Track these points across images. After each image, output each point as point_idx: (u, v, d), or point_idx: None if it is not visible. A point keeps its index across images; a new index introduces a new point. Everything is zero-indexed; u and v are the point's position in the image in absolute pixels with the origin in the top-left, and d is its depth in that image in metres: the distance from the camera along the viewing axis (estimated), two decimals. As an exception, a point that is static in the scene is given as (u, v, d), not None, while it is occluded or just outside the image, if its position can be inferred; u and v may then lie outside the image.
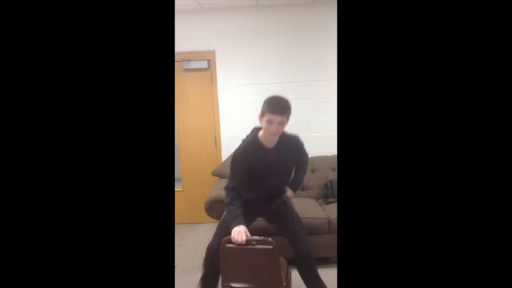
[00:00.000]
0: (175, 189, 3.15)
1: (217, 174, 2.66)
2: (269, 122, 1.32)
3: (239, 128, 2.98)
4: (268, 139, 1.42)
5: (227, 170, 2.59)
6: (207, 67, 2.95)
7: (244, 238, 1.24)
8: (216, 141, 3.04)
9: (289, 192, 1.58)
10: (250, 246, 1.25)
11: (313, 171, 2.70)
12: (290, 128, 2.92)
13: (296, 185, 1.65)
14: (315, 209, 2.20)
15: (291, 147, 1.49)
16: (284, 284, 1.27)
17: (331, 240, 2.01)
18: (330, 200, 2.39)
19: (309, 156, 2.77)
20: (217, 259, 1.29)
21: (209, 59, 2.94)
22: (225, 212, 1.43)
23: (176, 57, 2.89)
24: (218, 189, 2.24)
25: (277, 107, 1.33)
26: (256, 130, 1.50)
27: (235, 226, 1.28)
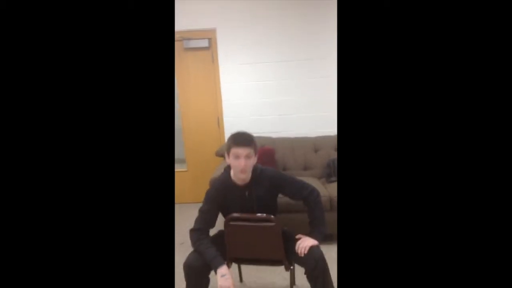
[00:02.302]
0: (180, 170, 3.20)
1: (220, 154, 2.67)
2: (236, 156, 1.25)
3: (241, 108, 2.97)
4: (239, 178, 1.32)
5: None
6: (208, 46, 2.89)
7: (230, 284, 1.20)
8: (219, 122, 3.04)
9: (306, 242, 1.27)
10: (253, 224, 1.28)
11: (316, 151, 2.71)
12: (293, 107, 2.92)
13: (318, 227, 1.33)
14: (317, 188, 2.22)
15: (266, 181, 1.34)
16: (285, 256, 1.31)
17: (333, 217, 2.04)
18: (333, 179, 2.41)
19: (312, 136, 2.83)
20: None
21: (210, 37, 2.88)
22: (192, 252, 1.32)
23: (177, 36, 2.83)
24: (222, 168, 2.26)
25: (241, 138, 1.26)
26: (228, 168, 1.39)
27: (216, 268, 1.23)
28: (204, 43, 2.88)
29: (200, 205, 1.38)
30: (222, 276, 1.22)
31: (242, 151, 1.24)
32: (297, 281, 1.71)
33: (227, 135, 3.00)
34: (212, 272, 1.31)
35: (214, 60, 2.93)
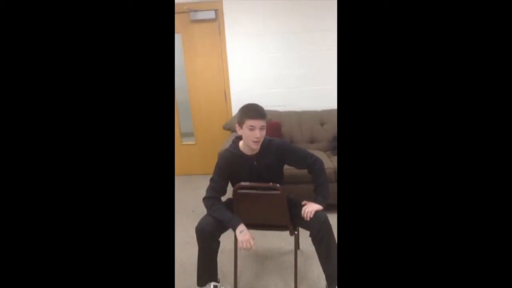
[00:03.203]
0: (188, 143, 3.28)
1: (228, 128, 2.73)
2: (251, 128, 1.31)
3: (248, 81, 2.97)
4: (249, 148, 1.39)
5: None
6: (215, 17, 2.85)
7: (252, 243, 1.32)
8: (226, 95, 3.06)
9: (311, 206, 1.36)
10: (260, 192, 1.35)
11: (322, 124, 2.74)
12: (300, 81, 2.91)
13: (322, 193, 1.42)
14: (323, 160, 2.28)
15: (273, 151, 1.42)
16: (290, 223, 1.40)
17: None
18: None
19: (319, 109, 2.83)
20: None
21: (217, 8, 2.83)
22: (205, 216, 1.40)
23: (183, 8, 2.79)
24: (230, 142, 2.32)
25: (257, 111, 1.32)
26: (237, 139, 1.47)
27: (235, 227, 1.33)
28: (211, 15, 2.84)
29: (209, 176, 1.45)
30: (241, 232, 1.33)
31: (257, 123, 1.30)
32: (301, 246, 1.82)
33: (234, 108, 3.03)
34: (223, 236, 1.41)
35: (220, 32, 2.90)
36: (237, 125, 1.38)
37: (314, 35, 2.83)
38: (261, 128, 1.32)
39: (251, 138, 1.33)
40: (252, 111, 1.33)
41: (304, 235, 1.42)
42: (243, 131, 1.35)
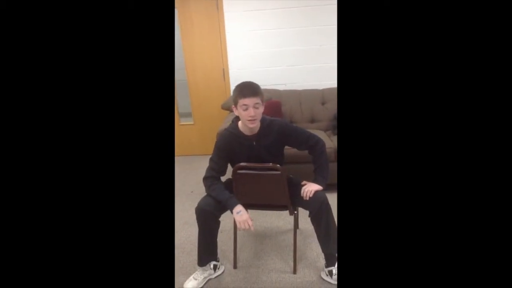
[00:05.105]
0: (187, 123, 3.24)
1: (226, 107, 2.67)
2: (244, 107, 1.27)
3: (247, 59, 2.89)
4: (248, 128, 1.35)
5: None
6: (212, -9, 2.73)
7: (250, 223, 1.31)
8: (224, 74, 2.99)
9: (310, 186, 1.35)
10: (260, 172, 1.33)
11: (323, 103, 2.69)
12: (301, 58, 2.83)
13: (322, 173, 1.40)
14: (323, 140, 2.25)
15: (274, 132, 1.38)
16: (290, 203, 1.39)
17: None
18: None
19: (319, 88, 2.77)
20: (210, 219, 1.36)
21: (214, -19, 2.70)
22: (205, 196, 1.39)
23: (178, -20, 2.66)
24: (229, 121, 2.28)
25: (248, 89, 1.27)
26: (236, 119, 1.43)
27: (232, 208, 1.32)
28: (208, -12, 2.71)
29: (208, 157, 1.43)
30: (238, 212, 1.32)
31: (250, 101, 1.26)
32: (300, 225, 1.83)
33: (232, 87, 2.96)
34: (223, 216, 1.41)
35: (218, 7, 2.78)
36: (233, 106, 1.34)
37: (316, 10, 2.72)
38: (254, 106, 1.27)
39: (245, 117, 1.29)
40: (244, 89, 1.28)
41: (303, 214, 1.42)
42: (238, 111, 1.31)
